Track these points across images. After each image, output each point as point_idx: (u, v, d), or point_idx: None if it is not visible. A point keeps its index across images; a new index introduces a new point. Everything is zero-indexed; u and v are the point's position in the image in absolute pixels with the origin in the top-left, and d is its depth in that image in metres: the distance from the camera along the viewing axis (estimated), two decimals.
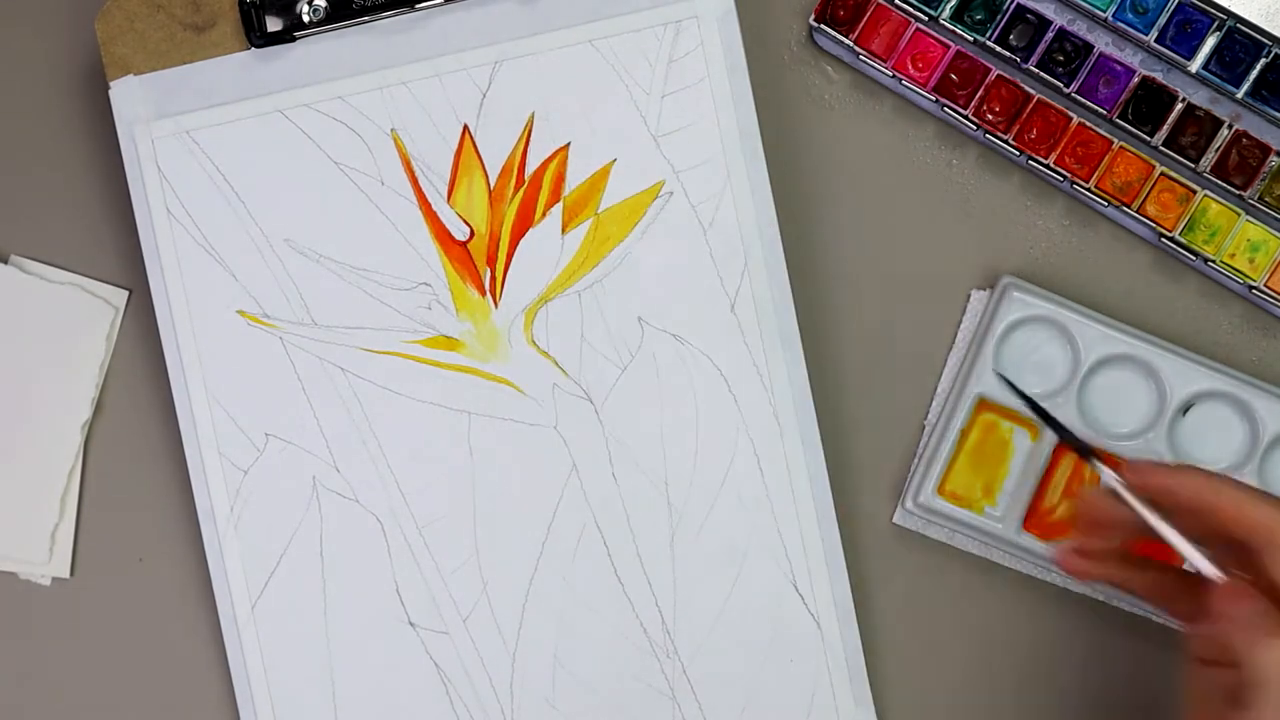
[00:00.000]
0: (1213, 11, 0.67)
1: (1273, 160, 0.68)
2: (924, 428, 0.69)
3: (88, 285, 0.70)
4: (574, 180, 0.68)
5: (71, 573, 0.70)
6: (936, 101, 0.69)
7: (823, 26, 0.69)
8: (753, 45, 0.68)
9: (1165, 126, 0.68)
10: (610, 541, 0.68)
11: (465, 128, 0.68)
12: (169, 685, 0.69)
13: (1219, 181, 0.68)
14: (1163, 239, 0.69)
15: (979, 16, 0.68)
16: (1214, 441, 0.68)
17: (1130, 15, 0.67)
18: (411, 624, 0.67)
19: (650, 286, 0.67)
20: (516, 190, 0.68)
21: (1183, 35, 0.67)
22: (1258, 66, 0.67)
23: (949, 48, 0.68)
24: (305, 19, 0.67)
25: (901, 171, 0.70)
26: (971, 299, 0.69)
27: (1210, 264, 0.68)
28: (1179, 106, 0.68)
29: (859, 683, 0.67)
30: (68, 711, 0.69)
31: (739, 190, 0.67)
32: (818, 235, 0.70)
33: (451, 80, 0.67)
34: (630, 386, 0.67)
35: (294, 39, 0.67)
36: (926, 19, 0.68)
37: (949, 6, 0.68)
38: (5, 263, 0.70)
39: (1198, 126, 0.68)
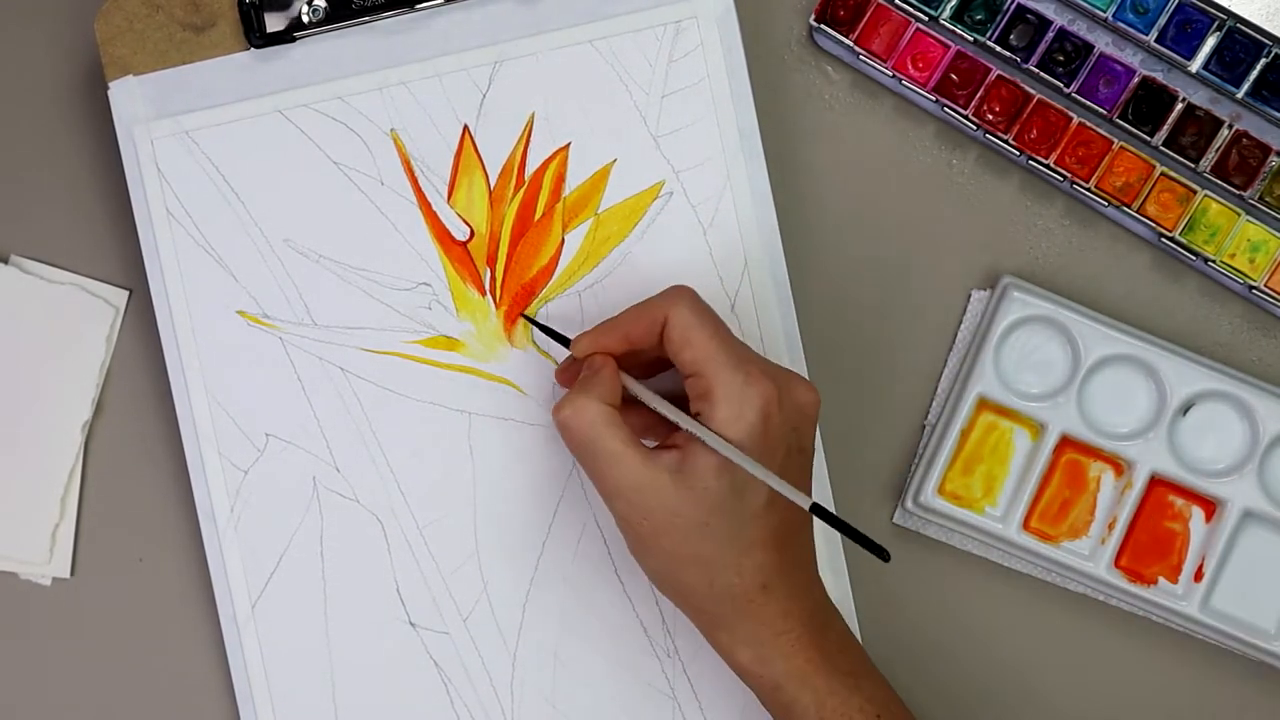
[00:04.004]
0: (1213, 11, 0.67)
1: (1273, 160, 0.68)
2: (924, 428, 0.69)
3: (88, 285, 0.70)
4: (574, 180, 0.68)
5: (71, 573, 0.70)
6: (936, 101, 0.69)
7: (823, 26, 0.69)
8: (753, 45, 0.68)
9: (1165, 126, 0.68)
10: (610, 541, 0.68)
11: (465, 128, 0.68)
12: (169, 685, 0.69)
13: (1219, 181, 0.68)
14: (1163, 239, 0.69)
15: (979, 16, 0.68)
16: (1214, 441, 0.68)
17: (1130, 15, 0.67)
18: (412, 624, 0.67)
19: (650, 287, 0.67)
20: (517, 190, 0.68)
21: (1183, 35, 0.67)
22: (1258, 66, 0.67)
23: (949, 48, 0.68)
24: (305, 19, 0.67)
25: (901, 171, 0.70)
26: (971, 299, 0.69)
27: (1210, 264, 0.68)
28: (1179, 106, 0.68)
29: None
30: (68, 711, 0.69)
31: (739, 190, 0.67)
32: (818, 235, 0.69)
33: (451, 80, 0.67)
34: None
35: (294, 39, 0.67)
36: (926, 19, 0.68)
37: (949, 6, 0.68)
38: (5, 263, 0.70)
39: (1198, 126, 0.68)
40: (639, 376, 0.62)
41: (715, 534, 0.58)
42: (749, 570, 0.59)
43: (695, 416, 0.59)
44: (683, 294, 0.61)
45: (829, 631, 0.61)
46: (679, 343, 0.60)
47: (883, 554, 0.55)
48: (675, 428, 0.60)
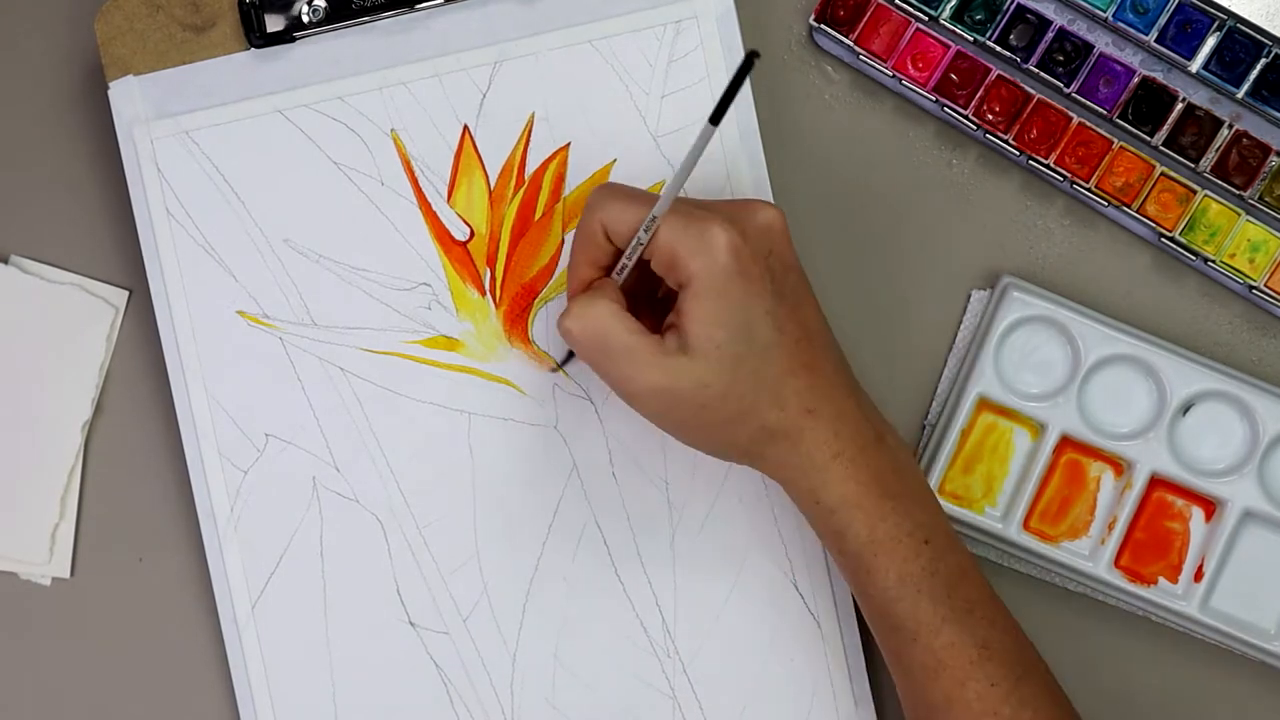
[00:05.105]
0: (1213, 11, 0.67)
1: (1273, 160, 0.68)
2: (924, 427, 0.69)
3: (88, 285, 0.70)
4: (574, 180, 0.68)
5: (71, 573, 0.70)
6: (936, 101, 0.69)
7: (823, 26, 0.69)
8: (753, 45, 0.68)
9: (1165, 126, 0.68)
10: (610, 541, 0.68)
11: (465, 128, 0.68)
12: (169, 685, 0.69)
13: (1219, 181, 0.68)
14: (1163, 239, 0.69)
15: (979, 16, 0.68)
16: (1214, 441, 0.68)
17: (1130, 15, 0.67)
18: (411, 624, 0.67)
19: None
20: (516, 190, 0.68)
21: (1183, 35, 0.67)
22: (1258, 66, 0.67)
23: (949, 48, 0.68)
24: (305, 19, 0.67)
25: (901, 171, 0.70)
26: (971, 299, 0.69)
27: (1210, 264, 0.68)
28: (1179, 106, 0.68)
29: (859, 682, 0.67)
30: (68, 711, 0.69)
31: (739, 190, 0.67)
32: (818, 235, 0.69)
33: (451, 80, 0.67)
34: None
35: (294, 39, 0.67)
36: (926, 19, 0.68)
37: (949, 6, 0.68)
38: (5, 263, 0.70)
39: (1198, 126, 0.68)
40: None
41: (746, 382, 0.59)
42: (789, 399, 0.60)
43: (679, 288, 0.59)
44: (601, 196, 0.60)
45: (882, 450, 0.61)
46: (627, 238, 0.60)
47: (750, 55, 0.54)
48: (664, 309, 0.61)
